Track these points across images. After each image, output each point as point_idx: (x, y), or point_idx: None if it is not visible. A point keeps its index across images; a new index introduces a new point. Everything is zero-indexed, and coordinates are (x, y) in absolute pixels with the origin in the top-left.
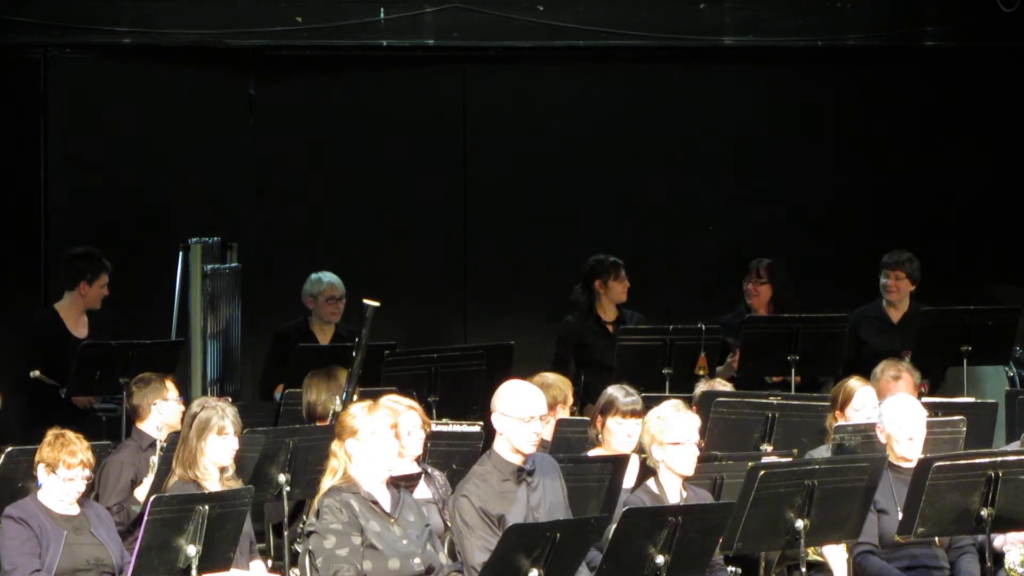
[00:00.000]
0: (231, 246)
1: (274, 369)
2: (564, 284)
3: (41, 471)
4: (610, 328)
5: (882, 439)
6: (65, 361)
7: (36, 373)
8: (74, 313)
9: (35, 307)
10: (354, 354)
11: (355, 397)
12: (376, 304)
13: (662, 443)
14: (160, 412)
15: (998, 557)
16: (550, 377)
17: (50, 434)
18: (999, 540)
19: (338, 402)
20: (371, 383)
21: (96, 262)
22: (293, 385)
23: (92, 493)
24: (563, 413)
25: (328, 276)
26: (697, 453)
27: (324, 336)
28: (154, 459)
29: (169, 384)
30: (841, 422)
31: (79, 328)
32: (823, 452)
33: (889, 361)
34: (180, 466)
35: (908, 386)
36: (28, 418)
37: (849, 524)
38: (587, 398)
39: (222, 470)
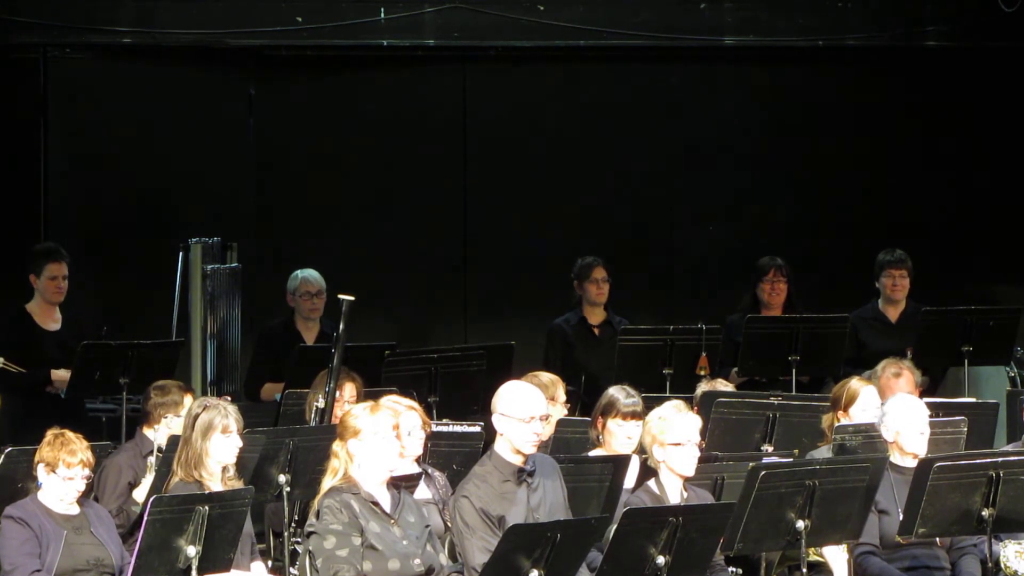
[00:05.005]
0: (231, 246)
1: (260, 368)
2: (564, 284)
3: (41, 471)
4: (596, 331)
5: (888, 438)
6: (35, 353)
7: (0, 360)
8: (40, 308)
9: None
10: (332, 350)
11: (337, 393)
12: (351, 298)
13: (663, 443)
14: (169, 426)
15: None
16: (543, 376)
17: (49, 434)
18: None
19: (321, 399)
20: (371, 383)
21: (41, 256)
22: (292, 385)
23: (92, 494)
24: (551, 409)
25: (305, 272)
26: (698, 454)
27: (309, 334)
28: (152, 459)
29: (187, 399)
30: (844, 422)
31: (49, 322)
32: (824, 453)
33: (891, 359)
34: (182, 468)
35: (909, 384)
36: (20, 417)
37: (850, 524)
38: (586, 398)
39: (224, 470)
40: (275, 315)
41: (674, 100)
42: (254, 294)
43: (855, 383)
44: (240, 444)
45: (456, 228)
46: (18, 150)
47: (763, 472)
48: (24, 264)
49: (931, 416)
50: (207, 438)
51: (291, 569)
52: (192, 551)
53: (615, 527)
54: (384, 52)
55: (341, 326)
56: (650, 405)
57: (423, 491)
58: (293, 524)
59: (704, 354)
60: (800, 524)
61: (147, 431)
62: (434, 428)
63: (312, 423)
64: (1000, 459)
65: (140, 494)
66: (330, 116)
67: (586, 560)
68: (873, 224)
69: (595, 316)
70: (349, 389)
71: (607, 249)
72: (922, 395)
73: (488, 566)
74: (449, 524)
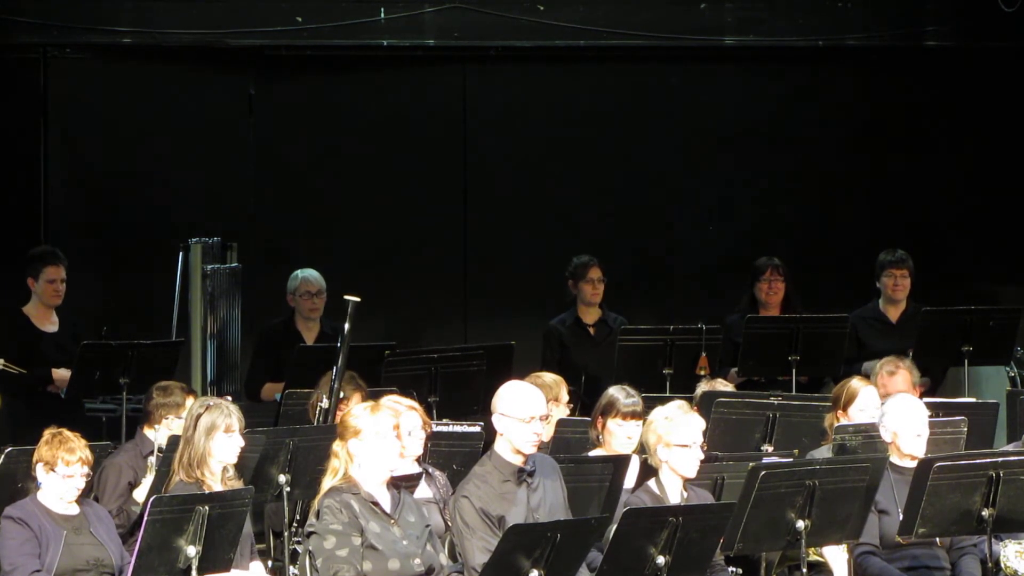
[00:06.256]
0: (231, 246)
1: (260, 368)
2: (564, 284)
3: (40, 470)
4: (591, 331)
5: (887, 438)
6: (34, 355)
7: (0, 361)
8: (38, 310)
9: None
10: (339, 346)
11: (341, 393)
12: (356, 299)
13: (668, 444)
14: (169, 427)
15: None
16: (547, 377)
17: (47, 433)
18: None
19: (325, 400)
20: (371, 383)
21: (38, 259)
22: (292, 385)
23: (91, 494)
24: (555, 410)
25: (305, 272)
26: (701, 456)
27: (309, 334)
28: (152, 459)
29: (189, 401)
30: (844, 422)
31: (47, 324)
32: (824, 452)
33: (890, 358)
34: (183, 468)
35: (905, 382)
36: (21, 417)
37: (850, 524)
38: (586, 398)
39: (224, 470)
40: (275, 315)
41: (674, 100)
42: (254, 294)
43: (855, 383)
44: (242, 443)
45: (456, 228)
46: (18, 150)
47: (763, 472)
48: (24, 265)
49: (931, 416)
50: (210, 437)
51: (291, 569)
52: (192, 551)
53: (615, 527)
54: (384, 52)
55: (347, 326)
56: (650, 405)
57: (424, 490)
58: (293, 524)
59: (704, 354)
60: (800, 524)
61: (147, 431)
62: (434, 428)
63: (316, 423)
64: (1000, 459)
65: (140, 494)
66: (330, 116)
67: (586, 560)
68: (873, 224)
69: (590, 315)
70: (355, 400)
71: (607, 249)
72: (922, 395)
73: (488, 566)
74: (449, 524)
